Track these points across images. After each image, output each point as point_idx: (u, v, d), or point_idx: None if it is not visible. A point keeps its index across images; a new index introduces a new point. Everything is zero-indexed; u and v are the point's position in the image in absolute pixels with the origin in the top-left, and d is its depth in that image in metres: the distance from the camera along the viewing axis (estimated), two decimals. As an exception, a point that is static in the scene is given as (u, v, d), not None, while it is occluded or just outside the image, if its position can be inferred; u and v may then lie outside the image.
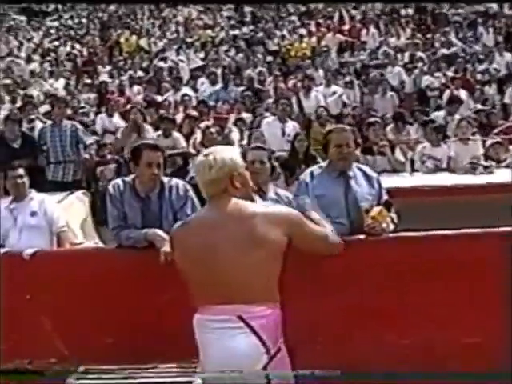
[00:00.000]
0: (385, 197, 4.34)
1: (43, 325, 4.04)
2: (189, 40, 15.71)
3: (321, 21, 16.42)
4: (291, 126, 7.51)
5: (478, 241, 3.85)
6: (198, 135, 7.15)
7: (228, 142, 7.02)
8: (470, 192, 5.39)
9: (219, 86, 11.18)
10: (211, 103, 9.92)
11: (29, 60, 14.16)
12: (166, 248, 3.79)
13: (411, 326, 3.74)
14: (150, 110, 9.81)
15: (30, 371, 3.85)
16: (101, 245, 5.60)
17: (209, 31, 16.40)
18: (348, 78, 11.12)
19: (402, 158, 6.78)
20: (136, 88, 11.48)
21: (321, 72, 11.91)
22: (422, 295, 3.81)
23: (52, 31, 17.56)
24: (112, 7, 20.21)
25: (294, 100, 9.65)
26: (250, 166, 4.01)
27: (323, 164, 4.42)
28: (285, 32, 16.20)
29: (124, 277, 3.93)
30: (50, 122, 7.33)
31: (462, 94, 10.55)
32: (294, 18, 17.80)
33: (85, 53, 15.26)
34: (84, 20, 18.96)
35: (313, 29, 15.85)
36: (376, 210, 4.05)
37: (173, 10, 19.49)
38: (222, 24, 17.51)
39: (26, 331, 4.01)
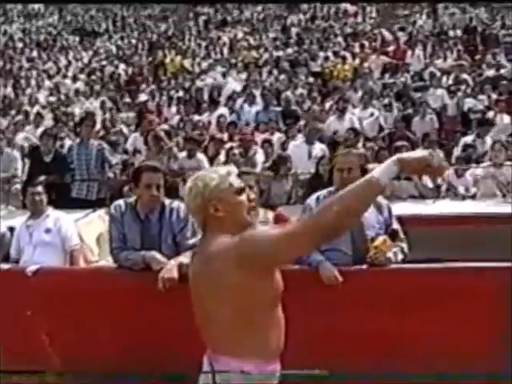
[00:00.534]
0: (394, 225, 4.18)
1: (41, 339, 4.11)
2: (233, 61, 15.81)
3: (365, 42, 16.24)
4: (318, 149, 7.40)
5: (475, 274, 3.75)
6: (222, 156, 7.13)
7: (252, 163, 6.99)
8: (472, 222, 5.24)
9: (258, 107, 11.19)
10: (243, 123, 9.96)
11: (75, 79, 14.52)
12: (166, 273, 3.79)
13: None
14: (185, 130, 9.94)
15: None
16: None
17: (253, 52, 16.46)
18: (387, 100, 10.92)
19: (429, 184, 6.56)
20: (174, 108, 11.57)
21: (360, 94, 11.75)
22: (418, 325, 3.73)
23: (101, 51, 17.98)
24: (162, 28, 20.63)
25: (328, 122, 9.55)
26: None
27: (331, 188, 4.31)
28: (329, 53, 16.12)
29: (122, 295, 3.98)
30: (77, 140, 7.44)
31: (506, 118, 10.22)
32: (339, 39, 17.72)
33: (130, 72, 15.56)
34: (134, 40, 19.35)
35: (356, 50, 15.70)
36: (380, 239, 3.92)
37: (219, 31, 19.71)
38: (267, 45, 17.57)
39: (24, 343, 4.09)
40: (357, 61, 15.07)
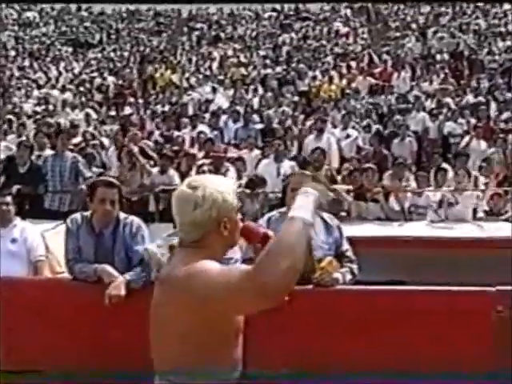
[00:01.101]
0: (344, 246, 4.27)
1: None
2: (221, 77, 15.96)
3: (353, 63, 16.44)
4: (287, 166, 7.52)
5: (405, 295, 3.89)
6: (193, 173, 7.22)
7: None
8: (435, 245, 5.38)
9: (240, 124, 11.31)
10: (226, 140, 10.05)
11: (63, 90, 14.64)
12: (113, 290, 3.90)
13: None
14: (165, 145, 10.04)
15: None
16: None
17: (242, 69, 16.62)
18: (365, 122, 11.06)
19: (396, 207, 6.67)
20: (155, 123, 11.69)
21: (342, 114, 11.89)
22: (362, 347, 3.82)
23: (93, 62, 18.12)
24: (154, 42, 20.81)
25: (306, 141, 9.67)
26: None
27: (283, 210, 4.40)
28: (317, 73, 16.29)
29: (77, 307, 4.08)
30: (52, 152, 7.53)
31: (482, 144, 10.37)
32: (329, 59, 17.91)
33: (118, 85, 15.68)
34: (126, 53, 19.50)
35: (344, 71, 15.88)
36: (327, 260, 4.01)
37: (211, 47, 19.89)
38: (257, 63, 17.74)
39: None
40: (344, 81, 15.25)
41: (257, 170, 7.67)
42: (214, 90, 13.96)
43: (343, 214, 6.62)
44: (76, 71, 17.31)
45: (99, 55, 19.23)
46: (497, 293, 3.84)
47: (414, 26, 20.82)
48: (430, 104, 13.33)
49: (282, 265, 1.80)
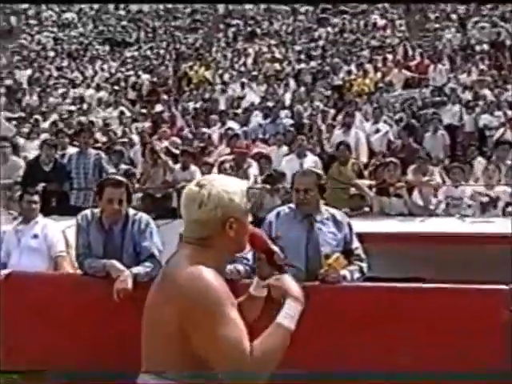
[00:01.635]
0: (354, 244, 4.20)
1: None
2: (255, 73, 15.91)
3: (389, 56, 16.15)
4: (310, 162, 7.42)
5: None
6: (215, 169, 7.21)
7: (245, 176, 7.05)
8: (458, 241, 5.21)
9: (268, 120, 11.24)
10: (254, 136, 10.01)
11: (98, 88, 14.84)
12: (119, 284, 3.93)
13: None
14: (194, 141, 10.07)
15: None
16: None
17: (276, 65, 16.53)
18: (398, 116, 10.85)
19: (419, 202, 6.49)
20: (185, 119, 11.73)
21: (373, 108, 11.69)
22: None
23: (129, 61, 18.29)
24: (190, 39, 20.89)
25: (334, 136, 9.54)
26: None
27: (292, 205, 4.36)
28: (352, 67, 16.08)
29: (89, 302, 4.12)
30: (76, 150, 7.63)
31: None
32: (365, 52, 17.65)
33: (153, 82, 15.78)
34: (162, 51, 19.63)
35: (379, 64, 15.61)
36: (334, 257, 3.95)
37: (247, 43, 19.84)
38: (292, 58, 17.62)
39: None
40: (378, 75, 15.00)
41: (280, 165, 7.58)
42: (243, 86, 13.89)
43: (365, 209, 6.51)
44: (112, 70, 17.50)
45: (136, 53, 19.40)
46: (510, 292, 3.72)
47: (453, 16, 20.32)
48: (466, 96, 13.01)
49: (268, 368, 1.93)
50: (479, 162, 7.82)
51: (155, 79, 16.09)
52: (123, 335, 3.87)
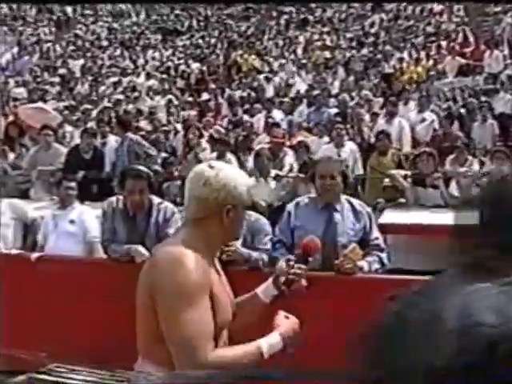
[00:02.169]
0: (374, 234, 4.13)
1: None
2: (304, 61, 15.74)
3: (443, 43, 15.65)
4: (348, 151, 7.29)
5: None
6: (251, 158, 7.19)
7: (281, 165, 7.02)
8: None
9: (313, 108, 11.11)
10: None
11: (149, 77, 15.00)
12: None
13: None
14: (236, 130, 10.06)
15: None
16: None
17: (326, 52, 16.31)
18: (446, 105, 10.51)
19: (456, 193, 6.27)
20: (230, 108, 11.72)
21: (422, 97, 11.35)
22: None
23: (180, 49, 18.42)
24: (242, 27, 20.84)
25: (377, 125, 9.33)
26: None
27: (312, 195, 4.34)
28: (404, 54, 15.68)
29: (115, 286, 4.22)
30: (114, 138, 7.78)
31: None
32: (419, 39, 17.17)
33: (203, 71, 15.83)
34: (213, 39, 19.67)
35: (433, 51, 15.16)
36: (350, 247, 3.88)
37: (299, 31, 19.65)
38: (343, 45, 17.33)
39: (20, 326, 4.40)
40: (431, 62, 14.58)
41: (317, 154, 7.48)
42: (292, 75, 13.78)
43: (401, 200, 6.34)
44: (163, 59, 17.66)
45: (187, 42, 19.51)
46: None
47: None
48: (523, 84, 12.47)
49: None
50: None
51: (204, 68, 16.13)
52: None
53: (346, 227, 4.02)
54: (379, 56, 15.72)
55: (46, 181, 7.53)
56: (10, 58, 17.14)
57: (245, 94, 12.98)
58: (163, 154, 8.34)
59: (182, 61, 17.06)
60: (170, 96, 13.24)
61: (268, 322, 2.19)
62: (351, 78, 13.93)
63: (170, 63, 16.40)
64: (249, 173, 6.26)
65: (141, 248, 4.17)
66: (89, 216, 5.61)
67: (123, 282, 4.02)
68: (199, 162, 7.34)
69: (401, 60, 15.20)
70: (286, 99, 12.39)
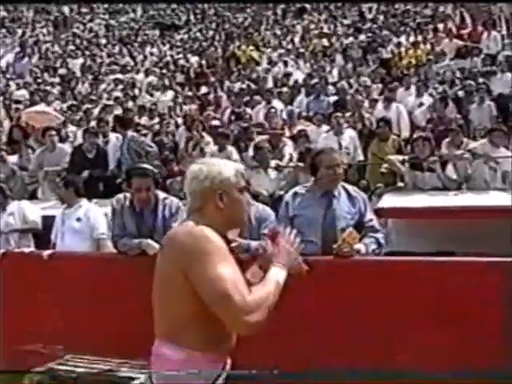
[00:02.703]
0: (369, 216, 4.27)
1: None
2: (302, 50, 15.77)
3: (440, 26, 15.64)
4: (348, 139, 7.39)
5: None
6: (250, 150, 7.30)
7: (280, 155, 7.13)
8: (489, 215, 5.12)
9: (312, 97, 11.18)
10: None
11: (147, 73, 15.06)
12: None
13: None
14: (237, 122, 10.15)
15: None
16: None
17: (324, 40, 16.32)
18: (441, 88, 10.57)
19: (453, 176, 6.38)
20: (230, 100, 11.79)
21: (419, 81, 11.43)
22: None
23: (178, 44, 18.46)
24: (240, 19, 20.86)
25: (375, 112, 9.43)
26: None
27: (308, 184, 4.46)
28: (402, 39, 15.67)
29: (125, 281, 4.36)
30: (116, 135, 7.94)
31: None
32: (417, 22, 17.12)
33: (201, 64, 15.86)
34: (211, 32, 19.70)
35: (430, 35, 15.16)
36: (347, 231, 4.02)
37: (296, 20, 19.66)
38: (341, 32, 17.33)
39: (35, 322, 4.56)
40: (428, 45, 14.58)
41: (317, 143, 7.58)
42: (286, 64, 13.83)
43: (399, 184, 6.46)
44: (162, 54, 17.68)
45: (185, 36, 19.54)
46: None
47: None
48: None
49: (261, 313, 2.06)
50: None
51: (203, 61, 16.18)
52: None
53: (344, 211, 4.16)
54: (378, 41, 15.70)
55: (53, 181, 7.69)
56: (10, 61, 17.24)
57: (244, 86, 13.04)
58: (166, 153, 8.46)
59: (180, 55, 17.10)
60: (171, 91, 13.33)
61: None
62: (349, 66, 13.96)
63: (168, 58, 16.45)
64: (249, 164, 6.41)
65: (152, 241, 4.34)
66: (95, 213, 5.78)
67: (134, 277, 4.21)
68: (204, 156, 7.49)
69: (399, 45, 15.21)
70: (285, 89, 12.46)
